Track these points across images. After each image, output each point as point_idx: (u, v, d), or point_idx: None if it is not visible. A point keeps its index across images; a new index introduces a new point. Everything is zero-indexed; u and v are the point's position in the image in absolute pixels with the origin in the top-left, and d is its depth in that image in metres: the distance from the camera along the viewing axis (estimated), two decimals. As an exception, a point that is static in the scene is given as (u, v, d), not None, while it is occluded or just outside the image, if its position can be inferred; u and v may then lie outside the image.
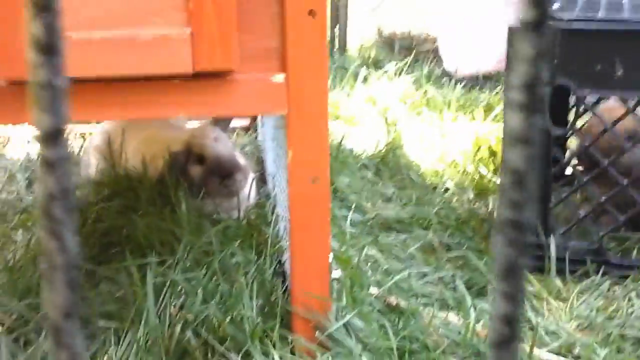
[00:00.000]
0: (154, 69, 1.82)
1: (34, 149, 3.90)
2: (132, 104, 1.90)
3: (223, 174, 2.79)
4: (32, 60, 0.58)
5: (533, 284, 2.42)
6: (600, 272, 2.51)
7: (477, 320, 2.16)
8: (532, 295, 2.39)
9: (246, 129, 4.22)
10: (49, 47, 0.58)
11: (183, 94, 1.91)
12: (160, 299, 2.08)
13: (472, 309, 2.20)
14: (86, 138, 3.80)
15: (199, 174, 2.81)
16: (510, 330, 0.56)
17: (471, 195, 3.14)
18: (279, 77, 1.93)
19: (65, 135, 0.63)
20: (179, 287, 2.12)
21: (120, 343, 2.00)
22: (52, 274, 0.63)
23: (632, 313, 2.23)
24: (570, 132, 3.13)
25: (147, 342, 1.98)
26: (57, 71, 0.59)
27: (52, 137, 0.61)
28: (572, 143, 3.33)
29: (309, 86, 1.94)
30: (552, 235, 2.59)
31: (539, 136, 0.58)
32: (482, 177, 3.30)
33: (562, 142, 3.22)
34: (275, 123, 3.11)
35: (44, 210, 0.62)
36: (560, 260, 2.52)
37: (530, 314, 2.27)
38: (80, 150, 3.62)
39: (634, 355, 2.05)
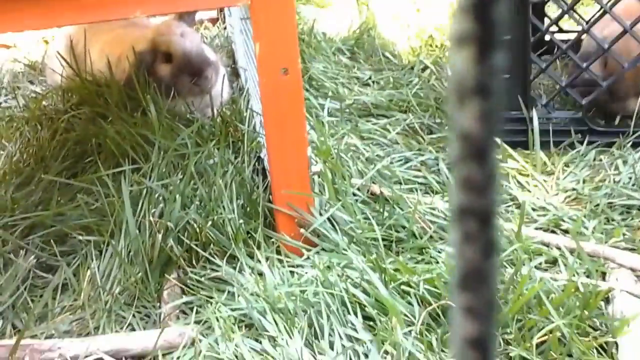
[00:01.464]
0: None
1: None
2: (86, 6, 1.80)
3: (193, 72, 2.69)
4: None
5: (517, 160, 2.37)
6: (585, 141, 2.46)
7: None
8: (517, 172, 2.35)
9: (214, 21, 4.07)
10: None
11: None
12: (138, 208, 2.03)
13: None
14: (48, 44, 3.66)
15: (168, 73, 2.71)
16: (481, 357, 0.43)
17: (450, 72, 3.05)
18: (238, -34, 1.82)
19: None
20: (157, 194, 2.06)
21: (102, 256, 1.96)
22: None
23: (619, 181, 2.19)
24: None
25: (129, 253, 1.95)
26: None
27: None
28: (551, 9, 3.23)
29: None
30: (534, 108, 2.53)
31: (498, 84, 0.40)
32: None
33: (540, 10, 3.11)
34: (242, 14, 2.99)
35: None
36: (544, 133, 2.47)
37: (515, 191, 2.24)
38: (43, 57, 3.48)
39: (622, 224, 2.03)
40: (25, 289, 1.94)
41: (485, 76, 0.41)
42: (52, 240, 2.06)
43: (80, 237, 2.04)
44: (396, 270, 1.82)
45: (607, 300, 1.69)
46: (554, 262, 1.87)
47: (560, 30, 3.17)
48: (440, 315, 1.69)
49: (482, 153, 0.41)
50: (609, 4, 2.52)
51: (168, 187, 2.11)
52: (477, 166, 0.42)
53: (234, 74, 3.15)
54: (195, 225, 1.98)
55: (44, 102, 2.92)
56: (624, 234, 1.95)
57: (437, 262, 1.87)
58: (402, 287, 1.77)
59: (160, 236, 1.92)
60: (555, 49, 2.83)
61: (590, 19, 2.70)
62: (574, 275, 1.69)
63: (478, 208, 0.42)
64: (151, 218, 1.97)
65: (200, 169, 2.20)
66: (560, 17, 2.70)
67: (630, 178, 2.20)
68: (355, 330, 1.67)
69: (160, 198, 2.07)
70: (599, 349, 1.56)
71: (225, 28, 3.91)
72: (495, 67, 0.41)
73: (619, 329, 1.54)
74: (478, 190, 0.42)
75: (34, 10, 1.79)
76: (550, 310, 1.57)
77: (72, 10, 1.80)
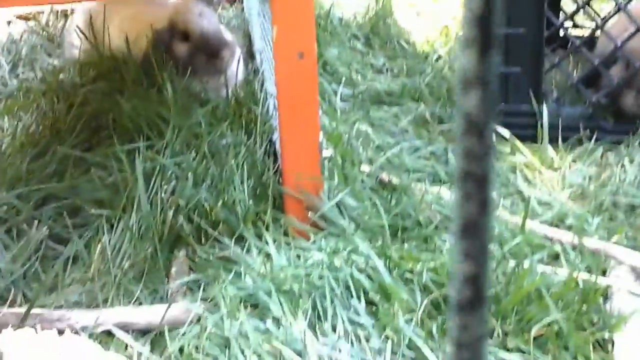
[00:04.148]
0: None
1: (16, 30, 3.80)
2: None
3: (209, 51, 2.73)
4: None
5: (525, 154, 2.40)
6: (593, 138, 2.48)
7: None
8: (524, 165, 2.37)
9: (231, 2, 4.09)
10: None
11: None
12: (151, 184, 2.07)
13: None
14: (68, 17, 3.69)
15: (185, 51, 2.74)
16: (475, 292, 0.52)
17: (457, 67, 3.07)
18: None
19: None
20: (169, 172, 2.10)
21: (114, 231, 2.00)
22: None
23: (624, 180, 2.22)
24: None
25: (140, 228, 1.98)
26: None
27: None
28: (567, 4, 3.24)
29: None
30: (544, 102, 2.55)
31: (494, 76, 0.53)
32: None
33: (555, 4, 3.12)
34: (260, -4, 3.01)
35: None
36: (553, 128, 2.49)
37: (522, 184, 2.27)
38: (62, 31, 3.52)
39: (626, 222, 2.05)
40: (37, 259, 1.98)
41: (484, 70, 0.52)
42: (64, 213, 2.10)
43: (93, 211, 2.08)
44: (401, 257, 1.85)
45: (607, 297, 1.72)
46: (556, 256, 1.91)
47: (575, 26, 3.18)
48: (442, 303, 1.72)
49: (481, 130, 0.53)
50: (624, 2, 2.53)
51: (181, 165, 2.15)
52: (477, 140, 0.53)
53: (250, 55, 3.17)
54: (205, 205, 2.01)
55: (61, 76, 2.95)
56: (626, 233, 1.98)
57: (442, 252, 1.90)
58: (406, 274, 1.80)
59: (171, 213, 1.96)
60: (569, 44, 2.85)
61: (605, 16, 2.71)
62: (574, 271, 1.72)
63: (476, 173, 0.53)
64: (163, 195, 2.01)
65: (213, 149, 2.24)
66: (575, 12, 2.72)
67: (636, 177, 2.22)
68: (358, 314, 1.71)
69: (173, 176, 2.11)
70: (596, 344, 1.59)
71: (242, 9, 3.93)
72: (493, 63, 0.52)
73: (616, 326, 1.58)
74: (476, 159, 0.53)
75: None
76: (550, 304, 1.60)
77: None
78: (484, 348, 0.54)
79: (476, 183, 0.53)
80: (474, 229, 0.53)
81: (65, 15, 3.82)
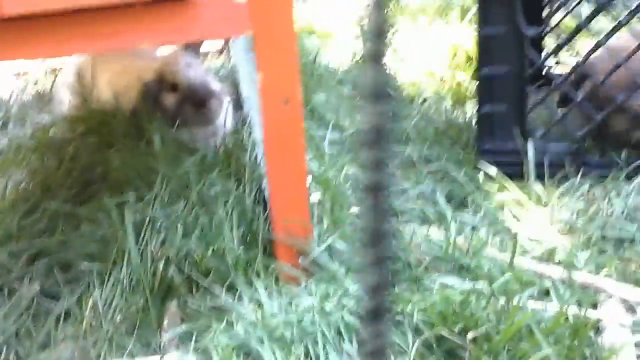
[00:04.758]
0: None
1: (7, 88, 3.84)
2: (95, 35, 1.86)
3: (197, 102, 2.76)
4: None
5: (513, 191, 2.42)
6: (580, 173, 2.50)
7: (459, 233, 2.16)
8: (512, 202, 2.39)
9: (220, 52, 4.14)
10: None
11: (143, 21, 1.86)
12: (141, 236, 2.08)
13: (452, 223, 2.20)
14: (57, 74, 3.73)
15: (173, 102, 2.77)
16: (379, 301, 0.53)
17: (449, 104, 3.10)
18: (241, -3, 1.88)
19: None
20: (159, 223, 2.11)
21: (105, 285, 2.01)
22: None
23: (612, 214, 2.23)
24: (545, 30, 3.08)
25: (130, 281, 1.99)
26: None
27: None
28: (548, 42, 3.29)
29: (273, 5, 1.89)
30: (530, 139, 2.58)
31: (389, 87, 0.54)
32: (459, 84, 3.26)
33: (537, 42, 3.17)
34: (246, 45, 3.05)
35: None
36: (539, 164, 2.51)
37: (510, 221, 2.28)
38: (52, 87, 3.55)
39: (615, 256, 2.06)
40: (28, 316, 1.98)
41: (381, 83, 0.57)
42: (55, 269, 2.10)
43: (83, 266, 2.08)
44: (391, 300, 1.85)
45: (598, 330, 1.73)
46: (546, 292, 1.91)
47: (558, 63, 3.23)
48: (434, 344, 1.72)
49: (379, 141, 0.55)
50: (605, 39, 2.57)
51: (170, 216, 2.16)
52: (375, 151, 0.55)
53: (238, 104, 3.21)
54: (195, 254, 2.02)
55: (51, 131, 2.98)
56: (615, 266, 1.99)
57: (432, 293, 1.91)
58: (397, 317, 1.80)
59: (161, 265, 1.97)
60: (552, 82, 2.89)
61: (587, 53, 2.75)
62: (564, 305, 1.72)
63: (376, 184, 0.56)
64: (153, 246, 2.02)
65: (202, 198, 2.25)
66: (556, 50, 2.76)
67: (622, 210, 2.24)
68: (351, 357, 1.70)
69: (163, 226, 2.12)
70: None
71: (230, 58, 3.97)
72: (388, 77, 0.56)
73: (608, 359, 1.58)
74: (376, 170, 0.55)
75: (43, 37, 1.85)
76: (541, 340, 1.60)
77: (80, 39, 1.86)
78: (389, 356, 0.55)
79: (376, 194, 0.53)
80: (376, 239, 0.53)
81: (54, 72, 3.86)
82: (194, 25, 1.91)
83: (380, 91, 0.52)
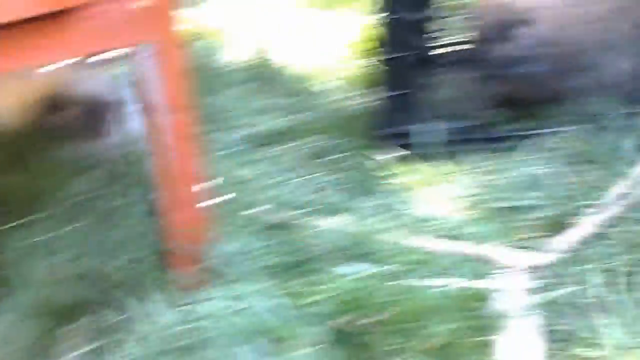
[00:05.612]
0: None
1: None
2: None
3: (92, 115, 2.71)
4: None
5: (416, 173, 2.42)
6: (482, 148, 2.50)
7: (361, 219, 2.16)
8: (416, 184, 2.39)
9: (123, 58, 4.05)
10: None
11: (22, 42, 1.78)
12: (33, 262, 2.02)
13: (354, 210, 2.21)
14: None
15: (67, 118, 2.71)
16: None
17: (350, 94, 3.08)
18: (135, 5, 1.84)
19: None
20: (48, 246, 2.05)
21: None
22: None
23: (505, 184, 2.25)
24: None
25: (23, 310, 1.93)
26: None
27: None
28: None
29: (159, 15, 1.85)
30: (419, 122, 2.57)
31: None
32: (361, 70, 3.23)
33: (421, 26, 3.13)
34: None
35: None
36: (444, 144, 2.51)
37: (411, 203, 2.28)
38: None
39: (507, 225, 2.07)
40: None
41: None
42: None
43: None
44: (292, 293, 1.84)
45: (488, 300, 1.73)
46: (444, 268, 1.91)
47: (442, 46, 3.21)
48: (334, 334, 1.71)
49: None
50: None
51: (63, 237, 2.10)
52: None
53: (143, 112, 3.14)
54: (88, 273, 1.97)
55: None
56: (507, 234, 2.00)
57: (333, 282, 1.89)
58: (306, 308, 1.78)
59: (50, 289, 1.91)
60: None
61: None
62: (457, 279, 1.72)
63: None
64: (42, 271, 1.96)
65: (97, 214, 2.20)
66: (436, 32, 2.76)
67: (516, 179, 2.25)
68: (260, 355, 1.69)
69: (55, 248, 2.06)
70: (479, 348, 1.59)
71: (137, 65, 3.89)
72: None
73: (496, 327, 1.58)
74: None
75: None
76: (431, 317, 1.60)
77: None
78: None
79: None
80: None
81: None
82: (72, 42, 1.84)
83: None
